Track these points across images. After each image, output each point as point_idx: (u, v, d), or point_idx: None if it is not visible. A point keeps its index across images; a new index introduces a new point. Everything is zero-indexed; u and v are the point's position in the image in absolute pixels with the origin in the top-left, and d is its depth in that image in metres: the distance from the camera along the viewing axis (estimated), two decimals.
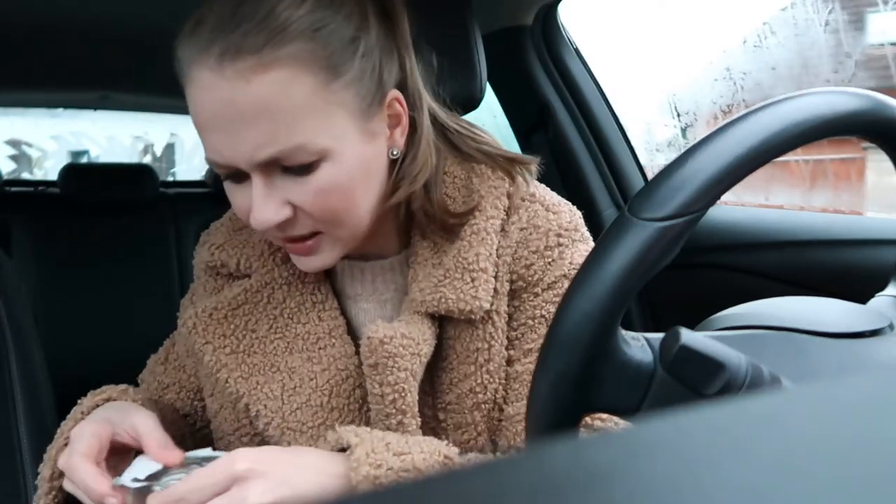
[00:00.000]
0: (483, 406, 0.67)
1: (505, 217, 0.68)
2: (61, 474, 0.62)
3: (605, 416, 0.65)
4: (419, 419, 0.65)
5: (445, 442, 0.62)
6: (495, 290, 0.67)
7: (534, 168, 0.71)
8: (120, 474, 0.58)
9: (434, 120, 0.68)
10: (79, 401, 0.73)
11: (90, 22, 1.46)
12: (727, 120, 0.43)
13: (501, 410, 0.68)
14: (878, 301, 0.54)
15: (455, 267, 0.65)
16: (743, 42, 1.53)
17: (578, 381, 0.43)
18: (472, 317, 0.65)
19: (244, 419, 0.69)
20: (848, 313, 0.50)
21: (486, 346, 0.67)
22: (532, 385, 0.44)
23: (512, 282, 0.68)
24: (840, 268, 1.08)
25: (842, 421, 0.18)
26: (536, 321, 0.68)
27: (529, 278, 0.68)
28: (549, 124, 1.45)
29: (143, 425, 0.59)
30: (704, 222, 0.50)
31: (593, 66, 1.47)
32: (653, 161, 1.58)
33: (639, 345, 0.45)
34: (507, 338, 0.68)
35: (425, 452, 0.59)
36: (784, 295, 0.55)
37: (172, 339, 0.81)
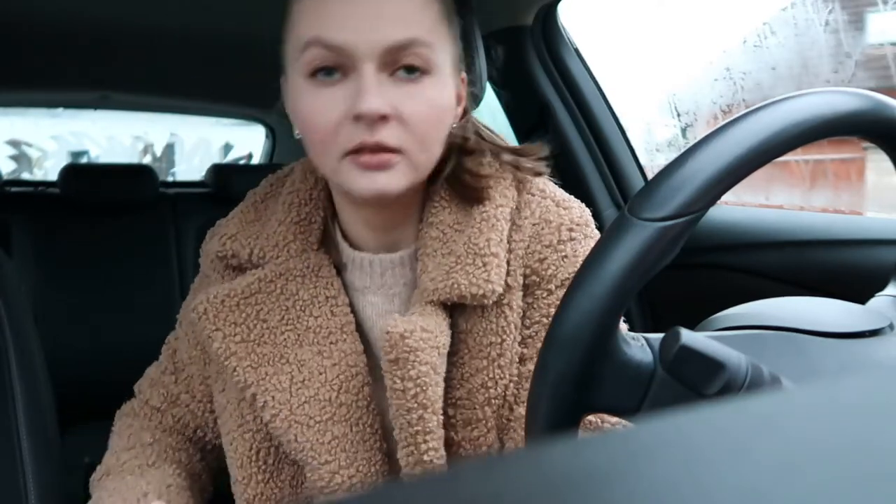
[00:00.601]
0: (494, 402, 0.67)
1: (515, 208, 0.69)
2: None
3: (605, 416, 0.65)
4: (441, 415, 0.65)
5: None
6: (508, 284, 0.67)
7: (543, 158, 0.73)
8: None
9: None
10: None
11: (90, 22, 1.46)
12: (727, 120, 0.43)
13: (511, 409, 0.68)
14: (878, 301, 0.54)
15: (466, 253, 0.65)
16: (743, 42, 1.53)
17: (578, 381, 0.43)
18: (485, 301, 0.65)
19: (248, 414, 0.69)
20: (848, 313, 0.50)
21: (499, 340, 0.66)
22: (532, 385, 0.44)
23: (525, 276, 0.68)
24: (840, 268, 1.08)
25: (842, 421, 0.18)
26: (550, 319, 0.67)
27: (543, 272, 0.68)
28: (549, 124, 1.45)
29: None
30: (704, 222, 0.50)
31: (593, 66, 1.47)
32: (653, 161, 1.58)
33: (639, 345, 0.45)
34: (521, 335, 0.68)
35: None
36: (784, 295, 0.55)
37: (171, 347, 0.80)
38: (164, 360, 0.80)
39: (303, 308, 0.68)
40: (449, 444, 0.66)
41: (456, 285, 0.64)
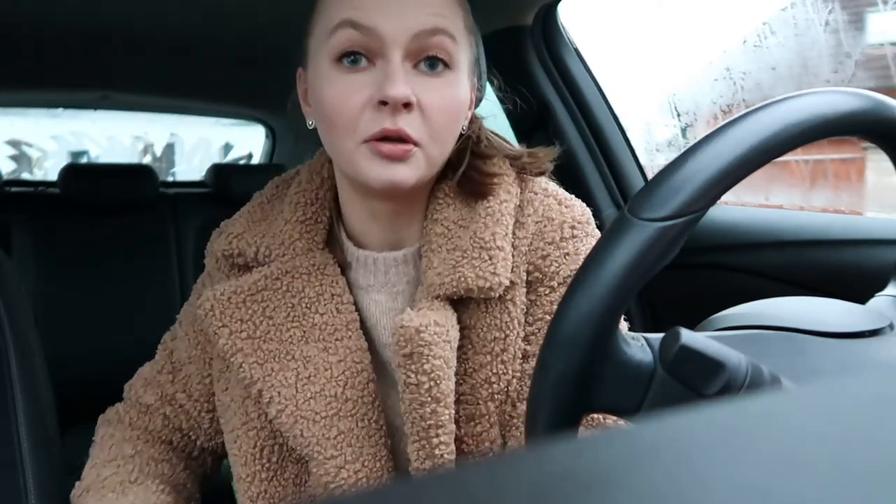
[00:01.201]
0: (497, 397, 0.67)
1: (518, 205, 0.70)
2: None
3: (604, 416, 0.65)
4: (453, 409, 0.65)
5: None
6: (511, 280, 0.67)
7: (548, 167, 0.75)
8: None
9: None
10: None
11: (90, 22, 1.46)
12: (727, 120, 0.43)
13: (514, 405, 0.68)
14: (878, 301, 0.54)
15: (472, 247, 0.66)
16: (743, 42, 1.53)
17: (578, 381, 0.43)
18: (492, 294, 0.65)
19: (253, 412, 0.69)
20: (848, 313, 0.50)
21: (503, 335, 0.67)
22: (532, 385, 0.44)
23: (528, 273, 0.69)
24: (840, 268, 1.08)
25: (842, 421, 0.18)
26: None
27: (546, 269, 0.69)
28: (549, 124, 1.45)
29: None
30: (704, 222, 0.50)
31: (593, 66, 1.47)
32: (653, 161, 1.58)
33: (639, 345, 0.45)
34: (525, 332, 0.69)
35: None
36: (784, 295, 0.55)
37: (168, 347, 0.80)
38: (161, 359, 0.80)
39: (308, 305, 0.69)
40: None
41: (463, 279, 0.65)
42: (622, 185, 1.46)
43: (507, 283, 0.66)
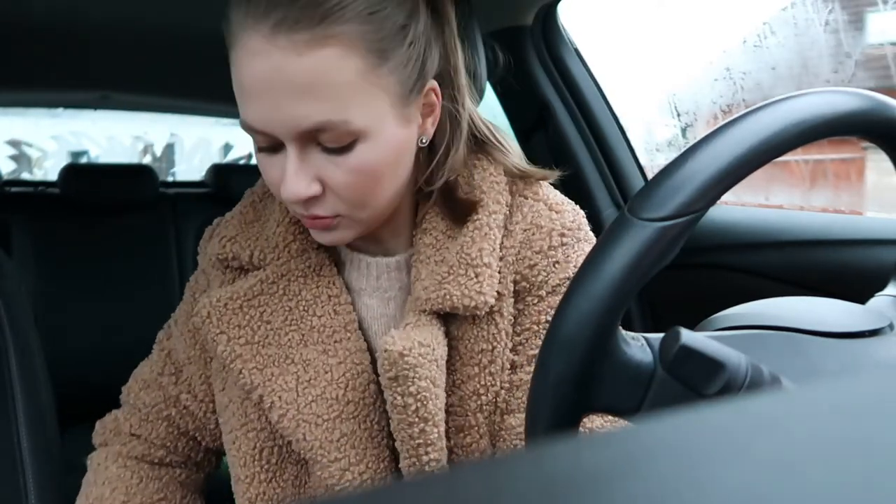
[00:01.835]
0: (485, 408, 0.67)
1: (507, 213, 0.69)
2: None
3: (604, 416, 0.65)
4: (442, 427, 0.65)
5: None
6: (498, 292, 0.66)
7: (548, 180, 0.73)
8: None
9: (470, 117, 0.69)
10: None
11: (90, 22, 1.46)
12: (727, 120, 0.43)
13: (503, 416, 0.68)
14: (878, 301, 0.54)
15: (458, 263, 0.65)
16: (743, 42, 1.53)
17: (578, 382, 0.43)
18: (477, 313, 0.65)
19: (252, 413, 0.69)
20: (848, 313, 0.50)
21: (490, 347, 0.66)
22: (532, 385, 0.44)
23: (516, 283, 0.68)
24: (840, 268, 1.08)
25: (842, 421, 0.18)
26: (541, 327, 0.68)
27: (533, 279, 0.68)
28: (548, 124, 1.45)
29: None
30: (704, 222, 0.50)
31: (593, 66, 1.47)
32: (653, 161, 1.58)
33: (639, 345, 0.45)
34: (512, 342, 0.68)
35: None
36: (784, 295, 0.55)
37: (165, 348, 0.79)
38: (159, 360, 0.79)
39: (306, 308, 0.68)
40: None
41: (448, 296, 0.64)
42: (622, 185, 1.46)
43: (492, 301, 0.65)
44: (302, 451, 0.66)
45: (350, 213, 0.62)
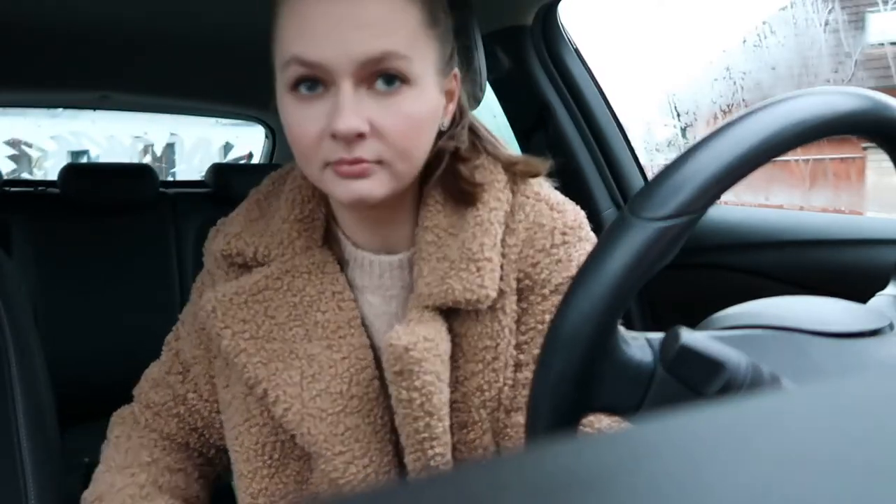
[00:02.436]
0: (489, 404, 0.67)
1: (508, 211, 0.69)
2: None
3: (604, 416, 0.65)
4: (447, 421, 0.65)
5: None
6: (501, 290, 0.67)
7: (542, 173, 0.73)
8: None
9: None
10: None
11: (90, 22, 1.46)
12: (727, 120, 0.43)
13: (507, 413, 0.68)
14: (878, 300, 0.54)
15: (460, 258, 0.66)
16: (743, 42, 1.53)
17: (578, 381, 0.43)
18: (479, 306, 0.66)
19: (255, 409, 0.69)
20: (848, 313, 0.50)
21: (494, 343, 0.67)
22: (532, 385, 0.44)
23: (519, 280, 0.68)
24: (840, 268, 1.08)
25: (842, 421, 0.18)
26: (545, 326, 0.67)
27: (536, 277, 0.68)
28: (548, 124, 1.45)
29: None
30: (704, 222, 0.50)
31: (593, 66, 1.47)
32: (653, 161, 1.58)
33: (639, 344, 0.45)
34: (517, 341, 0.69)
35: None
36: (784, 295, 0.55)
37: (173, 348, 0.80)
38: (167, 360, 0.80)
39: (310, 304, 0.69)
40: None
41: (451, 290, 0.65)
42: (622, 184, 1.46)
43: (494, 294, 0.66)
44: (306, 446, 0.66)
45: (391, 161, 0.62)
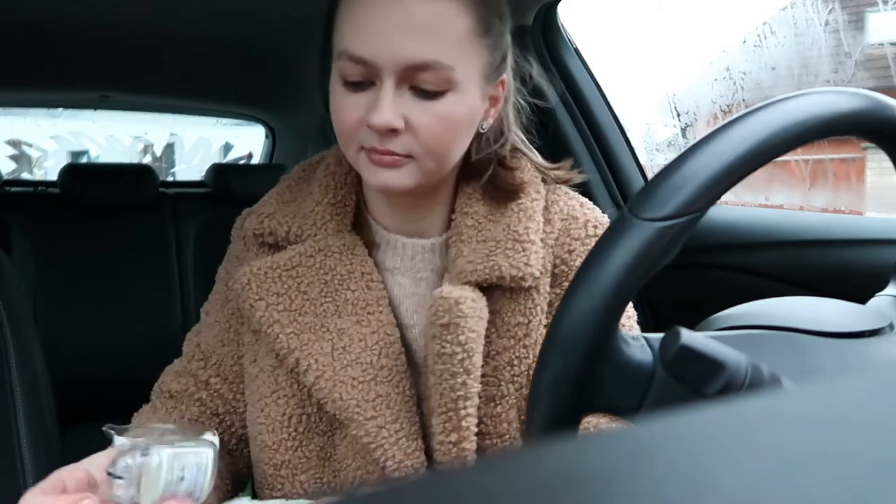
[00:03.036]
0: (517, 380, 0.70)
1: (545, 206, 0.74)
2: None
3: (604, 416, 0.66)
4: (479, 385, 0.68)
5: None
6: (539, 272, 0.70)
7: (576, 180, 0.79)
8: None
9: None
10: None
11: (90, 22, 1.46)
12: (727, 120, 0.43)
13: None
14: (878, 301, 0.54)
15: (506, 238, 0.70)
16: (743, 42, 1.53)
17: (578, 381, 0.43)
18: (523, 283, 0.69)
19: (283, 380, 0.71)
20: (848, 313, 0.50)
21: (526, 321, 0.70)
22: (532, 385, 0.44)
23: (555, 266, 0.73)
24: (840, 268, 1.08)
25: (842, 421, 0.18)
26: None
27: (571, 263, 0.73)
28: (548, 124, 1.45)
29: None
30: (704, 222, 0.50)
31: (593, 66, 1.47)
32: (653, 161, 1.58)
33: (639, 345, 0.45)
34: (547, 322, 0.72)
35: None
36: (784, 295, 0.55)
37: (194, 341, 0.81)
38: (189, 352, 0.81)
39: (340, 282, 0.72)
40: None
41: (496, 266, 0.68)
42: (622, 185, 1.46)
43: (538, 274, 0.69)
44: (338, 412, 0.68)
45: (421, 157, 0.66)
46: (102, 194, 1.99)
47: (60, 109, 2.88)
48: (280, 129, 2.54)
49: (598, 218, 0.76)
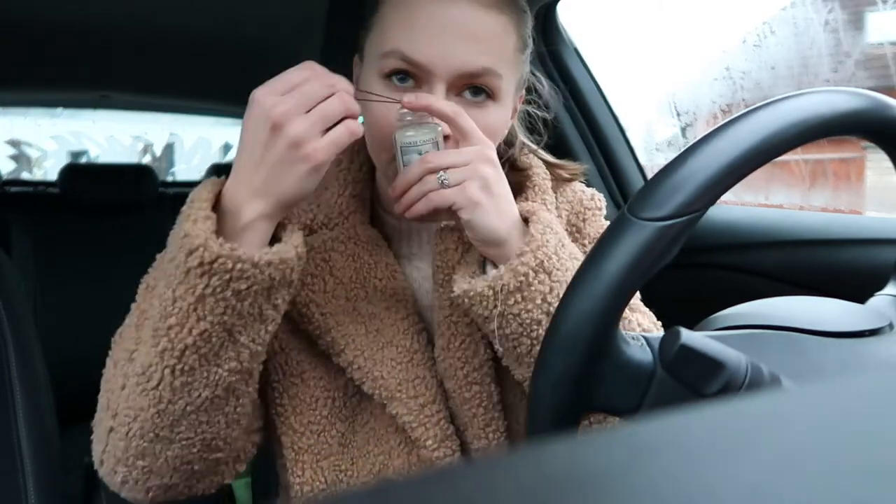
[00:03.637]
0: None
1: (554, 196, 0.77)
2: None
3: (604, 416, 0.66)
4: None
5: None
6: None
7: (581, 177, 0.83)
8: None
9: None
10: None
11: (90, 22, 1.46)
12: (726, 119, 0.43)
13: None
14: (878, 300, 0.54)
15: (521, 212, 0.71)
16: (743, 42, 1.53)
17: (578, 381, 0.43)
18: None
19: (312, 362, 0.72)
20: (847, 313, 0.50)
21: None
22: (532, 385, 0.44)
23: (569, 233, 0.77)
24: (840, 268, 1.08)
25: (842, 420, 0.18)
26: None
27: (583, 228, 0.79)
28: (548, 124, 1.45)
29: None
30: (704, 222, 0.50)
31: (593, 66, 1.47)
32: (653, 161, 1.58)
33: (638, 345, 0.45)
34: None
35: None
36: (784, 295, 0.55)
37: None
38: None
39: (368, 270, 0.73)
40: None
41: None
42: (622, 184, 1.46)
43: None
44: (378, 391, 0.69)
45: None
46: (102, 194, 1.99)
47: (60, 109, 2.88)
48: None
49: (597, 196, 0.80)
